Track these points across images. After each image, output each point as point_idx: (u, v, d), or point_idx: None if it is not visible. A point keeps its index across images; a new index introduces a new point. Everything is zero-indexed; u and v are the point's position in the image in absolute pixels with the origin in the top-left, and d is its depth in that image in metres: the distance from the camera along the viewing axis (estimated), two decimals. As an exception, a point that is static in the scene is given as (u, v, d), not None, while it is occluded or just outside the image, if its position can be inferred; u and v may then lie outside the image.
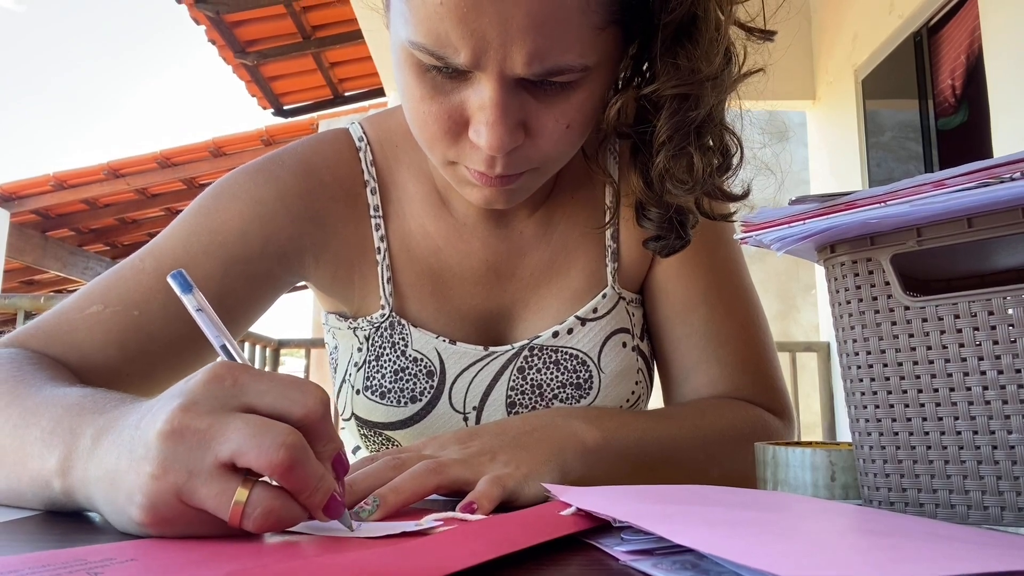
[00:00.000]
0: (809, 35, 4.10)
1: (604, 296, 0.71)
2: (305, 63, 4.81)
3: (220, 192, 0.67)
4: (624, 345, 0.71)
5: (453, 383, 0.68)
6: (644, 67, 0.59)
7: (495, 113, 0.51)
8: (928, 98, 3.18)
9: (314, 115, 5.75)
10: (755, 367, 0.72)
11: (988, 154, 2.57)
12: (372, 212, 0.69)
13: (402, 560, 0.30)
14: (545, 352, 0.69)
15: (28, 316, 2.39)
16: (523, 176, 0.57)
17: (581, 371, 0.69)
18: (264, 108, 5.16)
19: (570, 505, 0.41)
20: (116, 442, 0.38)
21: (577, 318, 0.70)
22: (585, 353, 0.69)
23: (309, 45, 4.59)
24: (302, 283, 0.73)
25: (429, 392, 0.68)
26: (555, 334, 0.69)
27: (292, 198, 0.67)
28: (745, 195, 0.64)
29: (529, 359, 0.69)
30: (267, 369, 3.45)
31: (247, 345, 3.29)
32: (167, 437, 0.35)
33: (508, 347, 0.69)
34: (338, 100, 5.34)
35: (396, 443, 0.69)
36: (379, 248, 0.69)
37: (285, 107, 5.24)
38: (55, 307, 0.63)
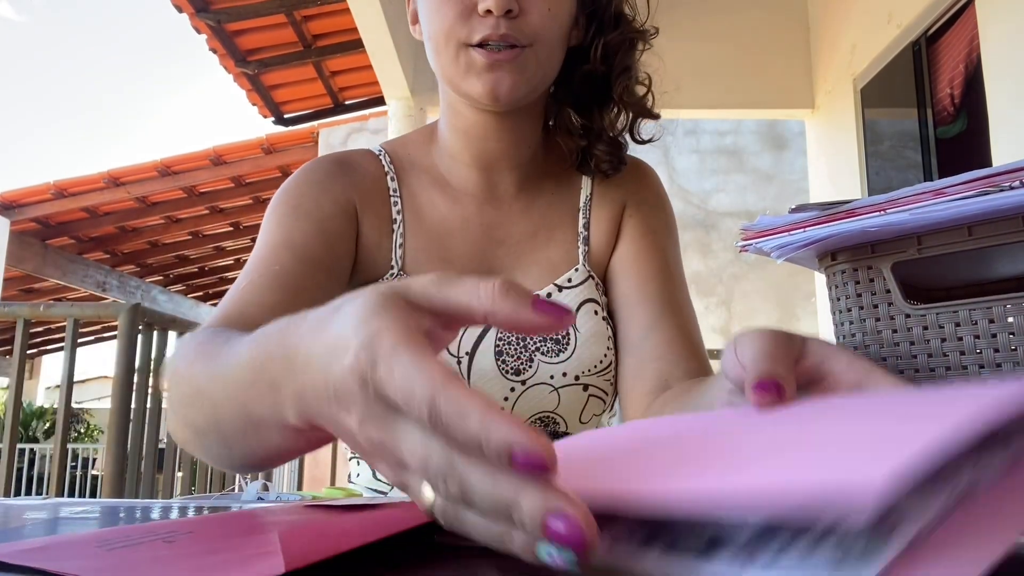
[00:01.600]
0: (808, 45, 4.12)
1: (576, 271, 0.84)
2: (306, 72, 4.82)
3: (297, 182, 0.83)
4: (596, 313, 0.82)
5: None
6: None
7: None
8: (927, 107, 3.18)
9: (315, 124, 5.77)
10: (698, 336, 0.84)
11: (987, 163, 2.56)
12: (391, 194, 0.85)
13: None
14: None
15: (28, 324, 2.38)
16: (518, 58, 0.73)
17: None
18: (265, 117, 5.16)
19: None
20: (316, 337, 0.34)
21: (555, 285, 0.82)
22: None
23: (310, 54, 4.59)
24: None
25: None
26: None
27: (347, 183, 0.83)
28: (659, 116, 0.86)
29: None
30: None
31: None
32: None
33: None
34: (339, 109, 5.35)
35: None
36: (395, 219, 0.83)
37: (286, 116, 5.24)
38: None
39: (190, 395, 0.48)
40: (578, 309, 0.81)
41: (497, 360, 0.78)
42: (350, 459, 0.85)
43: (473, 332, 0.78)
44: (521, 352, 0.79)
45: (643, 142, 0.87)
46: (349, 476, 0.88)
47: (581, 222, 0.87)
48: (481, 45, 0.72)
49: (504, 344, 0.79)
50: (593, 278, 0.84)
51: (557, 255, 0.84)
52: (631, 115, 0.84)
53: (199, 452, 0.50)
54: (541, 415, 0.79)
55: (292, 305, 0.66)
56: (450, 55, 0.74)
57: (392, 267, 0.81)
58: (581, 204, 0.88)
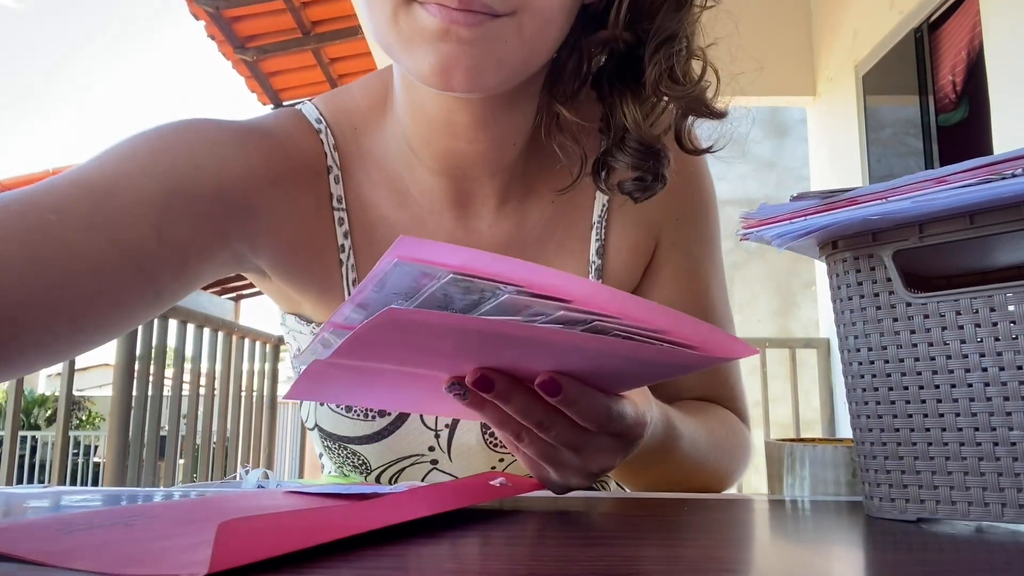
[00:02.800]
0: (809, 31, 4.09)
1: None
2: (304, 58, 4.80)
3: (168, 126, 0.57)
4: None
5: None
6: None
7: None
8: (928, 94, 3.17)
9: (314, 111, 5.75)
10: (736, 387, 0.74)
11: (988, 150, 2.56)
12: (335, 204, 0.61)
13: (352, 512, 0.35)
14: None
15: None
16: (487, 26, 0.47)
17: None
18: (264, 103, 5.15)
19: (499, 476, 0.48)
20: None
21: None
22: None
23: (308, 40, 4.57)
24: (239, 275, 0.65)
25: None
26: None
27: (253, 152, 0.57)
28: (725, 114, 0.59)
29: None
30: (266, 366, 3.46)
31: (247, 342, 3.29)
32: None
33: None
34: (338, 96, 5.34)
35: (362, 457, 0.65)
36: (343, 246, 0.61)
37: (284, 102, 5.23)
38: None
39: None
40: None
41: (484, 433, 0.65)
42: (320, 456, 0.77)
43: None
44: None
45: (698, 152, 0.61)
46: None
47: (594, 246, 0.64)
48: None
49: None
50: None
51: None
52: (678, 110, 0.58)
53: None
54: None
55: (45, 276, 0.47)
56: (386, 10, 0.49)
57: None
58: (594, 220, 0.65)
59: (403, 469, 0.69)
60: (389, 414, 0.64)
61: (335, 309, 0.56)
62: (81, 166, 0.53)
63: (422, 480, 0.69)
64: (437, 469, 0.69)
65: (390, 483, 0.70)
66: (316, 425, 0.67)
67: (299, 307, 0.65)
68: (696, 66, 0.56)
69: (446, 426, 0.65)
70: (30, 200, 0.49)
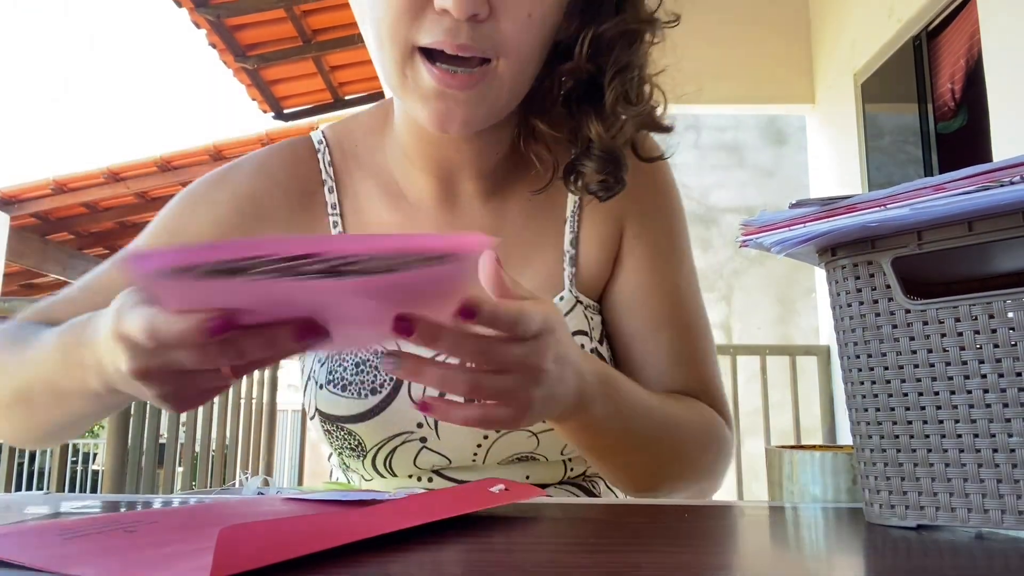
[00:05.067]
0: (808, 39, 4.10)
1: (561, 299, 0.72)
2: (305, 67, 4.81)
3: (183, 198, 0.74)
4: (583, 347, 0.71)
5: None
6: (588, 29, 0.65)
7: None
8: (927, 102, 3.18)
9: (314, 119, 5.75)
10: (712, 382, 0.75)
11: (987, 158, 2.56)
12: (329, 211, 0.73)
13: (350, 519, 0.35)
14: None
15: (28, 319, 2.39)
16: (477, 84, 0.58)
17: None
18: (264, 112, 5.16)
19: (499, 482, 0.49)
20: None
21: None
22: None
23: (309, 49, 4.59)
24: None
25: (389, 383, 0.69)
26: None
27: (243, 199, 0.72)
28: (671, 128, 0.69)
29: None
30: (266, 373, 3.45)
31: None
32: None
33: None
34: (338, 104, 5.34)
35: (357, 437, 0.71)
36: None
37: (285, 111, 5.23)
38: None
39: None
40: None
41: None
42: (329, 457, 0.82)
43: None
44: None
45: (649, 159, 0.72)
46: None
47: (567, 238, 0.73)
48: (434, 55, 0.57)
49: None
50: (581, 303, 0.72)
51: (537, 280, 0.72)
52: (633, 126, 0.67)
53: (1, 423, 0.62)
54: (518, 455, 0.72)
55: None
56: (395, 59, 0.59)
57: None
58: (567, 216, 0.74)
59: (394, 449, 0.71)
60: (381, 391, 0.69)
61: None
62: (127, 247, 0.69)
63: (414, 462, 0.72)
64: (427, 448, 0.71)
65: (385, 465, 0.73)
66: (316, 411, 0.71)
67: None
68: (647, 89, 0.67)
69: None
70: (90, 286, 0.70)
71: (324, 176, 0.74)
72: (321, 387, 0.70)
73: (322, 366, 0.71)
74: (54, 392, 0.55)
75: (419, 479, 0.74)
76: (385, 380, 0.69)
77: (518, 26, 0.57)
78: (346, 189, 0.74)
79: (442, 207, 0.73)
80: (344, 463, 0.77)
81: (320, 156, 0.75)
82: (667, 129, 0.69)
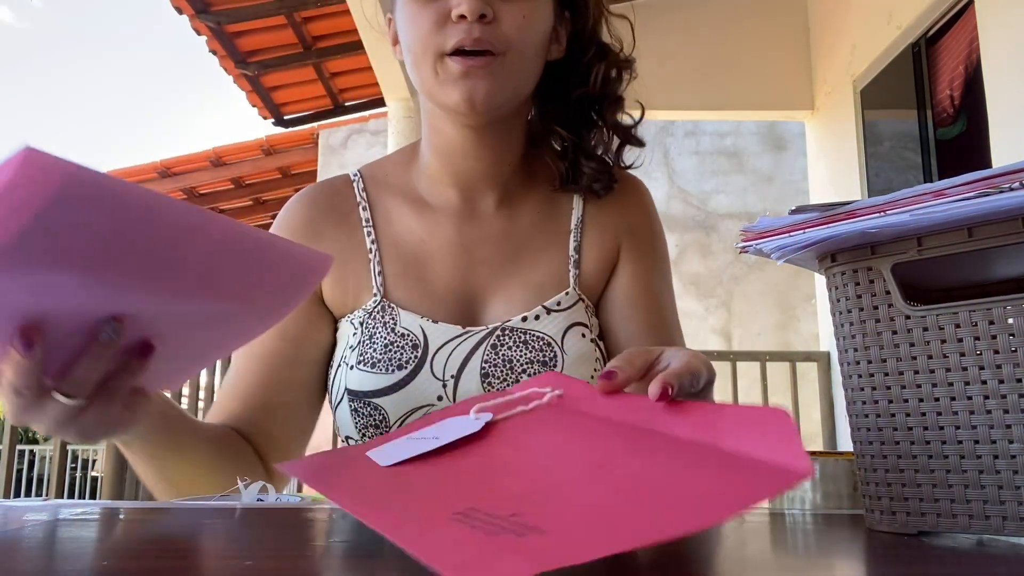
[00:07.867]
0: (808, 46, 4.11)
1: (567, 294, 0.83)
2: (306, 73, 4.82)
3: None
4: (583, 336, 0.82)
5: (435, 354, 0.80)
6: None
7: None
8: (926, 108, 3.18)
9: (314, 125, 5.76)
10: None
11: (987, 164, 2.57)
12: (364, 224, 0.86)
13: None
14: (515, 333, 0.81)
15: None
16: (491, 64, 0.74)
17: (547, 351, 0.80)
18: (265, 118, 5.16)
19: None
20: None
21: (544, 307, 0.82)
22: (550, 336, 0.81)
23: (310, 55, 4.59)
24: None
25: (414, 361, 0.79)
26: (524, 319, 0.82)
27: (299, 225, 0.87)
28: (644, 143, 0.89)
29: (501, 338, 0.81)
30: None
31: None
32: None
33: (483, 328, 0.81)
34: (338, 110, 5.35)
35: (382, 411, 0.79)
36: (370, 248, 0.85)
37: (286, 117, 5.24)
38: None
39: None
40: (566, 332, 0.81)
41: (483, 382, 0.79)
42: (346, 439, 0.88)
43: (459, 355, 0.79)
44: (507, 374, 0.79)
45: (627, 167, 0.90)
46: None
47: (572, 244, 0.86)
48: (457, 53, 0.74)
49: (490, 367, 0.79)
50: (583, 300, 0.84)
51: (545, 277, 0.84)
52: (618, 140, 0.87)
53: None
54: None
55: (272, 377, 0.82)
56: (428, 65, 0.76)
57: (375, 294, 0.82)
58: (572, 226, 0.87)
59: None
60: (407, 367, 0.79)
61: (368, 298, 0.83)
62: None
63: None
64: None
65: None
66: (345, 390, 0.80)
67: (343, 308, 0.85)
68: (630, 116, 0.88)
69: (452, 376, 0.79)
70: (230, 406, 0.84)
71: (359, 199, 0.88)
72: (352, 368, 0.80)
73: (353, 351, 0.81)
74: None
75: None
76: (411, 358, 0.79)
77: (516, 25, 0.75)
78: (377, 207, 0.88)
79: (463, 216, 0.86)
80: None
81: (355, 184, 0.89)
82: (641, 144, 0.89)
